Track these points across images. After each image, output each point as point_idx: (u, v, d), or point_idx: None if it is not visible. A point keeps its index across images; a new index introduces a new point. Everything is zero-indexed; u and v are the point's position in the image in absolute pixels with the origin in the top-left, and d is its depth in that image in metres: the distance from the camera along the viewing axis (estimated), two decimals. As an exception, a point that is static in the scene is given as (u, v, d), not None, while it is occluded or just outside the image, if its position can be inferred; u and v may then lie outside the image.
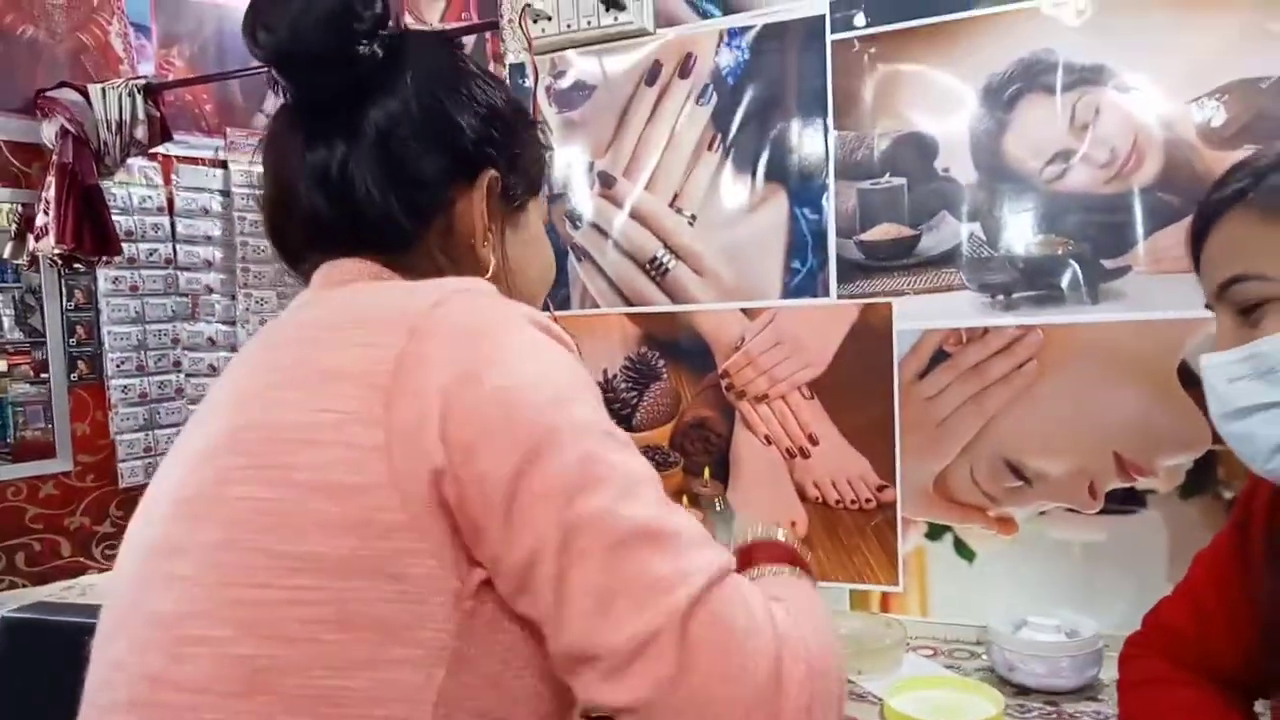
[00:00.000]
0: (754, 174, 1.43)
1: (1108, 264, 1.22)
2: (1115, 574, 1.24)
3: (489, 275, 0.70)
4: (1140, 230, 1.20)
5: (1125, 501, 1.24)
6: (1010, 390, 1.29)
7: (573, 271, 1.56)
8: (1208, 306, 0.78)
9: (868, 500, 1.39)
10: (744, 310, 1.45)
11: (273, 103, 0.69)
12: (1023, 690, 1.15)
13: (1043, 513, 1.29)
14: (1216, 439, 1.18)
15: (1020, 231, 1.27)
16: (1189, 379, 1.19)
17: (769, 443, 1.44)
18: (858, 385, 1.38)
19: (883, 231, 1.35)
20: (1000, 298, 1.29)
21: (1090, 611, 1.20)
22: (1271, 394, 0.69)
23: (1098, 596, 1.24)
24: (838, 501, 1.40)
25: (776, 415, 1.43)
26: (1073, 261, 1.24)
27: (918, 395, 1.34)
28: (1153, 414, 1.21)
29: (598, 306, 1.55)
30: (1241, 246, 0.72)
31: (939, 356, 1.33)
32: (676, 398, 1.50)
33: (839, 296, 1.38)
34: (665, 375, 1.51)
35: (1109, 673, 1.07)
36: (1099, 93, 1.22)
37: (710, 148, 1.46)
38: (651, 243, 1.50)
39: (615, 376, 1.54)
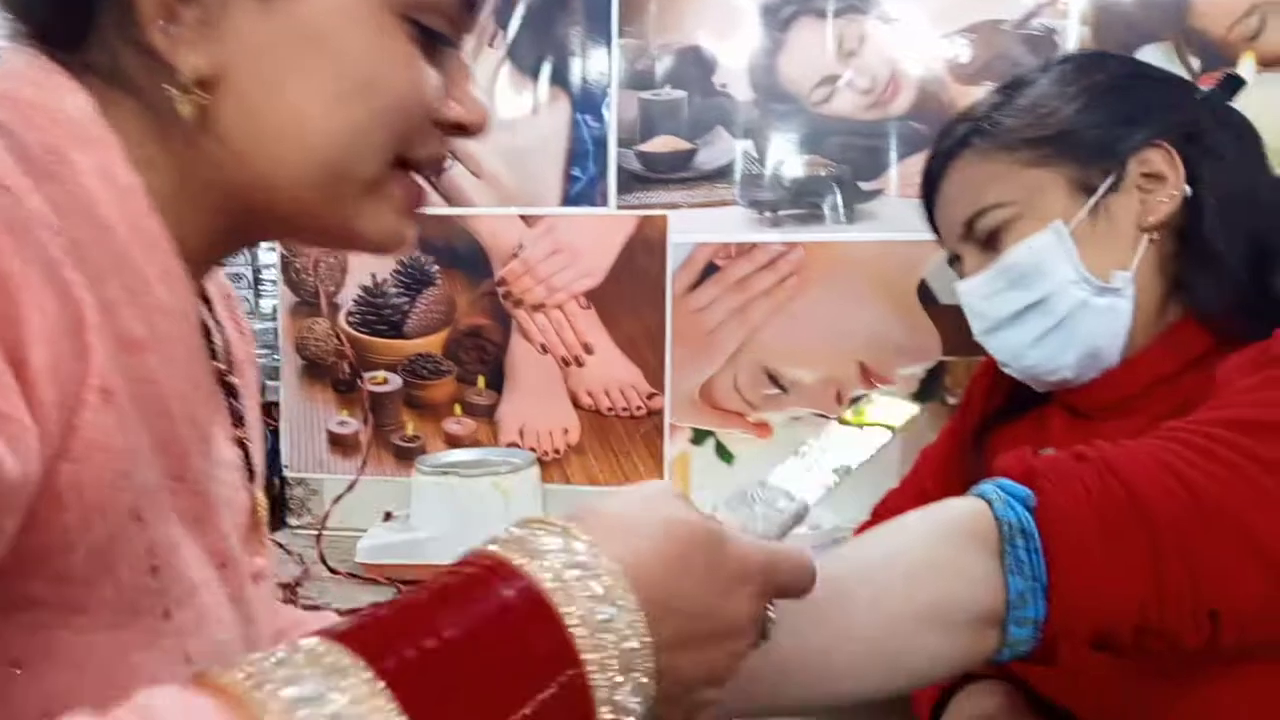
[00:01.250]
0: (536, 77, 1.39)
1: (864, 186, 1.31)
2: (857, 471, 1.36)
3: (186, 101, 0.42)
4: (893, 155, 1.29)
5: (867, 407, 1.35)
6: (772, 303, 1.36)
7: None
8: (953, 260, 0.87)
9: (638, 408, 1.43)
10: (523, 217, 1.42)
11: None
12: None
13: (796, 418, 1.38)
14: (947, 350, 1.32)
15: (789, 151, 1.33)
16: (927, 297, 1.31)
17: (545, 351, 1.44)
18: (632, 296, 1.40)
19: (662, 143, 1.37)
20: (768, 215, 1.35)
21: (832, 508, 1.31)
22: (1027, 296, 0.78)
23: (839, 493, 1.35)
24: (609, 409, 1.44)
25: (553, 324, 1.43)
26: (833, 183, 1.32)
27: (688, 307, 1.39)
28: (894, 328, 1.33)
29: (367, 206, 1.46)
30: (972, 186, 0.80)
31: (709, 270, 1.37)
32: (450, 305, 1.46)
33: (618, 207, 1.39)
34: (439, 281, 1.46)
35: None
36: (864, 22, 1.28)
37: (490, 44, 1.39)
38: (426, 141, 1.42)
39: (385, 281, 1.47)
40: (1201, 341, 0.73)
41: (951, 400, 1.31)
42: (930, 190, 0.86)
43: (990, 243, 0.80)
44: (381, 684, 0.29)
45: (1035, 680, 0.79)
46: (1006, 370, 0.84)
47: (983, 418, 0.93)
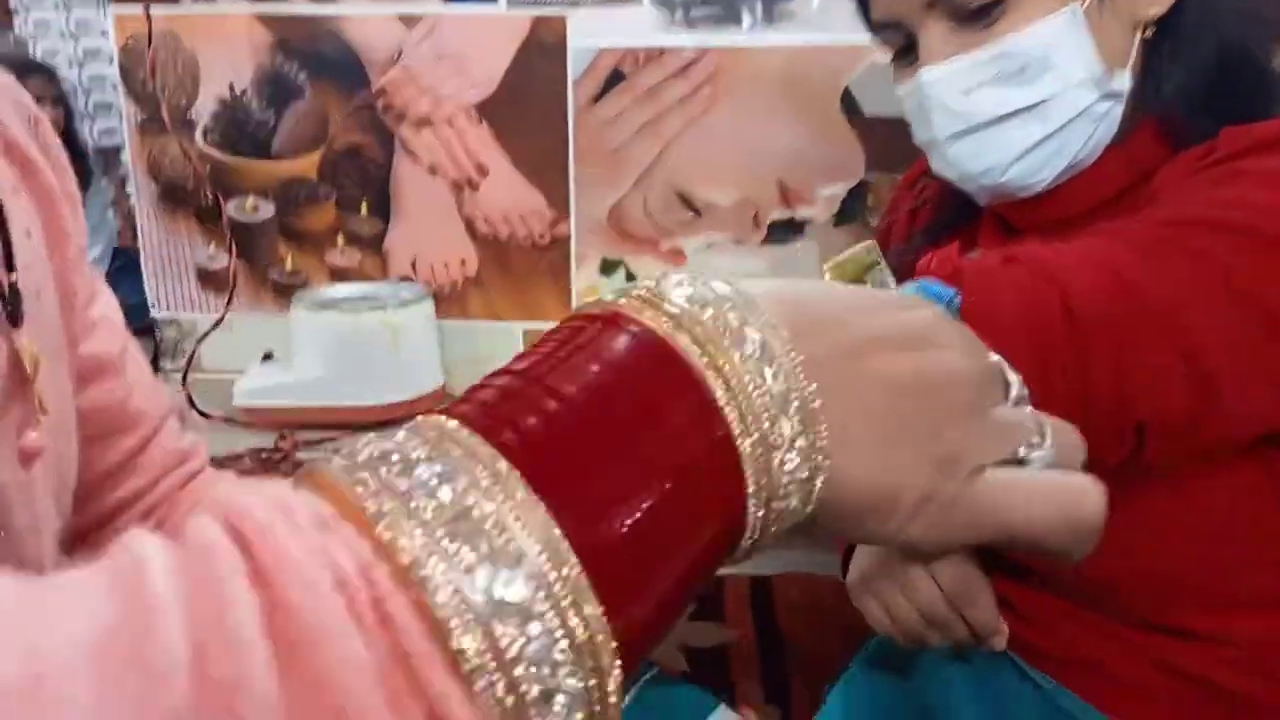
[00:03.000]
0: None
1: (785, -19, 1.17)
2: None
3: None
4: (818, -56, 1.15)
5: (785, 231, 1.27)
6: (685, 116, 1.23)
7: (179, -46, 1.24)
8: (900, 50, 0.70)
9: (541, 235, 1.31)
10: (400, 17, 1.24)
11: None
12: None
13: (710, 245, 1.29)
14: (871, 168, 1.23)
15: (702, -62, 1.17)
16: (850, 108, 1.20)
17: (434, 173, 1.30)
18: (529, 109, 1.26)
19: (557, -73, 1.19)
20: (679, 15, 1.20)
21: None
22: (1024, 96, 0.64)
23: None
24: (509, 237, 1.32)
25: (441, 142, 1.28)
26: (752, -24, 1.17)
27: (593, 121, 1.25)
28: (815, 143, 1.22)
29: (215, 1, 1.25)
30: None
31: (615, 78, 1.23)
32: (323, 120, 1.29)
33: (509, 5, 1.22)
34: (307, 93, 1.28)
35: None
36: None
37: None
38: (280, -79, 1.21)
39: (245, 93, 1.28)
40: (1154, 153, 0.66)
41: (874, 222, 1.23)
42: None
43: (978, 17, 0.63)
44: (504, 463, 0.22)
45: None
46: (962, 186, 0.71)
47: (906, 240, 0.85)
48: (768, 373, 0.24)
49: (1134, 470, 0.56)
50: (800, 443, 0.24)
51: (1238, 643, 0.65)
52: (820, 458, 0.25)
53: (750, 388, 0.24)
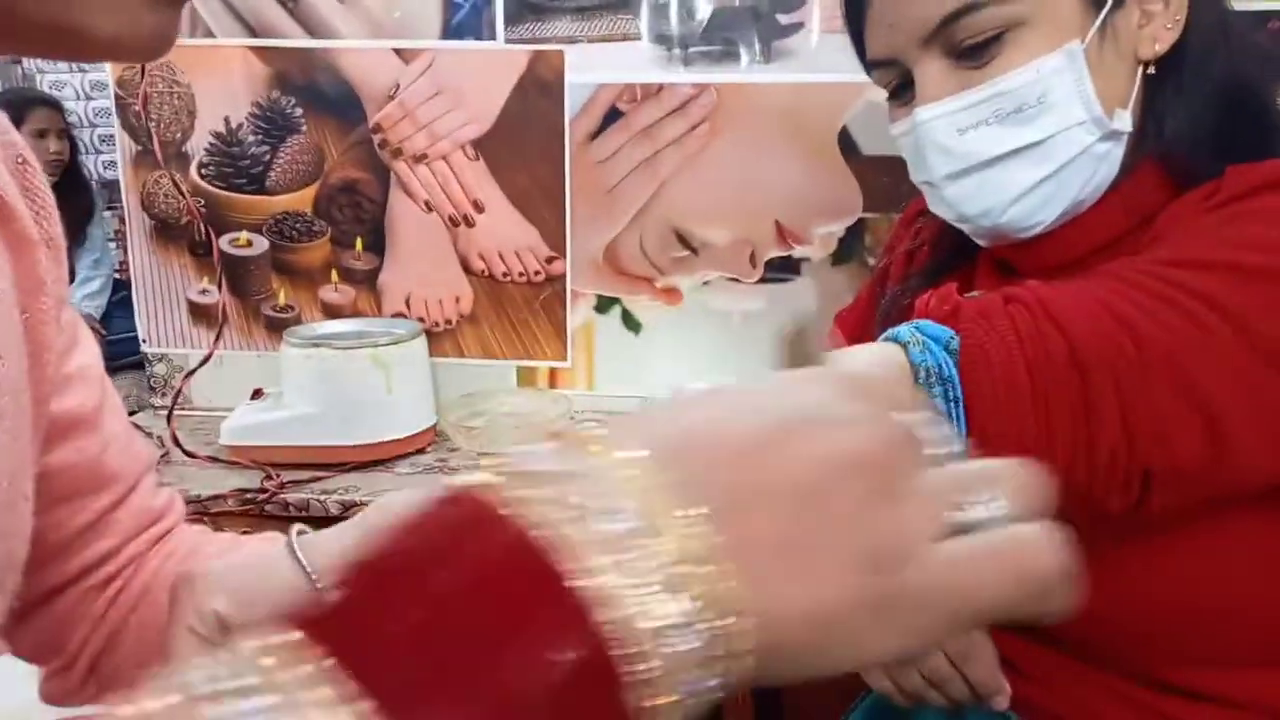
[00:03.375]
0: (409, -116, 1.18)
1: (783, 19, 1.16)
2: (771, 339, 1.28)
3: None
4: (817, -16, 1.15)
5: (782, 269, 1.25)
6: (682, 154, 1.22)
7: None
8: (874, 66, 0.69)
9: (536, 273, 1.30)
10: (397, 51, 1.23)
11: None
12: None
13: (706, 282, 1.28)
14: (868, 207, 1.22)
15: (700, -23, 1.17)
16: (848, 147, 1.19)
17: (430, 209, 1.29)
18: (526, 145, 1.25)
19: (555, -35, 1.19)
20: (677, 52, 1.19)
21: (746, 376, 1.22)
22: (1022, 135, 0.62)
23: (754, 361, 1.27)
24: (505, 274, 1.30)
25: (438, 178, 1.28)
26: (750, 14, 1.17)
27: (589, 158, 1.24)
28: (812, 182, 1.21)
29: (213, 36, 1.25)
30: None
31: (612, 115, 1.22)
32: (319, 155, 1.28)
33: (506, 40, 1.22)
34: (304, 127, 1.27)
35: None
36: None
37: None
38: (278, -42, 1.22)
39: (241, 127, 1.28)
40: (1156, 195, 0.64)
41: (872, 261, 1.22)
42: None
43: (974, 55, 0.62)
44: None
45: None
46: (960, 226, 0.69)
47: (903, 281, 0.83)
48: (651, 555, 0.21)
49: (1141, 521, 0.54)
50: (700, 617, 0.21)
51: (1246, 705, 0.62)
52: (729, 619, 0.21)
53: (627, 574, 0.20)
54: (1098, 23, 0.61)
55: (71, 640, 0.58)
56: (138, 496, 0.59)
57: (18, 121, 1.84)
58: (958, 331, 0.49)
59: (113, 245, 2.85)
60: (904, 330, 0.49)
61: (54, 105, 2.63)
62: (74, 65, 3.27)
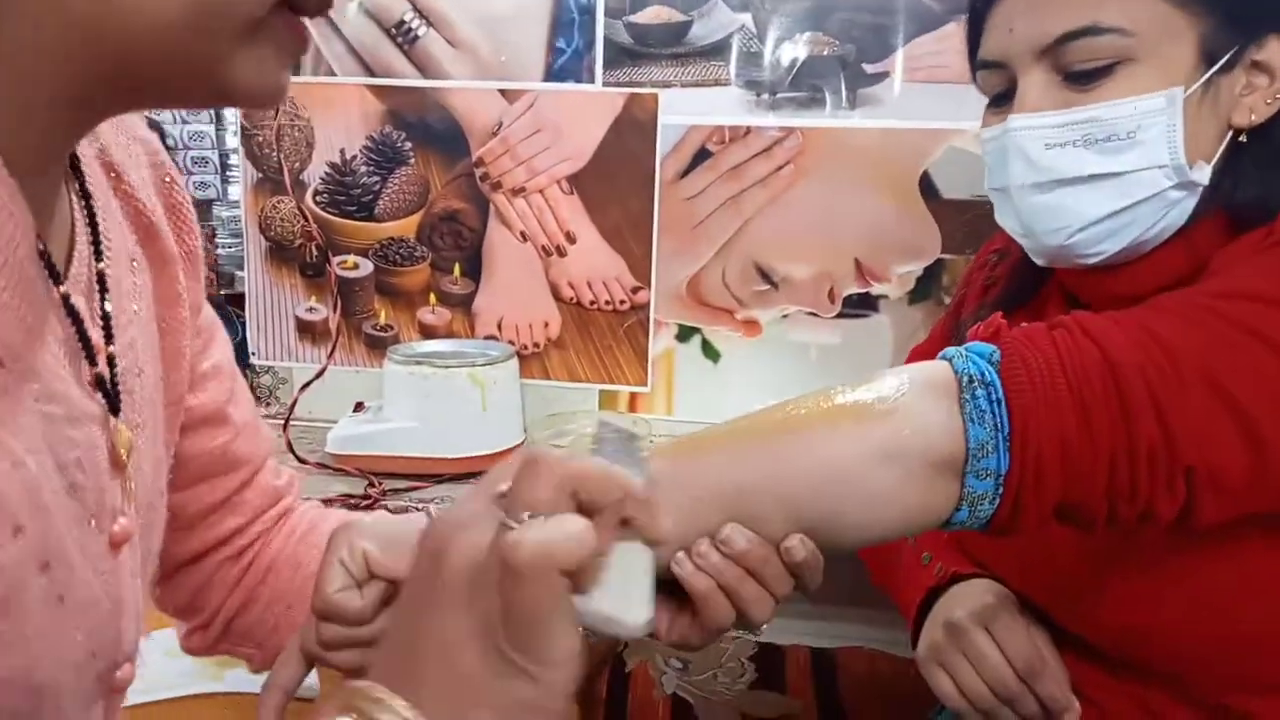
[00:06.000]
0: (518, -63, 1.27)
1: (868, 69, 1.22)
2: (847, 373, 1.31)
3: None
4: (901, 35, 1.20)
5: (860, 306, 1.30)
6: (767, 193, 1.28)
7: (304, 32, 1.35)
8: (983, 67, 0.71)
9: (622, 301, 1.37)
10: (502, 91, 1.32)
11: None
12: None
13: (785, 315, 1.33)
14: (946, 248, 1.26)
15: (790, 28, 1.23)
16: (928, 190, 1.24)
17: (525, 239, 1.37)
18: (618, 182, 1.32)
19: (653, 14, 1.26)
20: (765, 97, 1.26)
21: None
22: (1104, 163, 0.65)
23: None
24: (592, 302, 1.37)
25: (534, 210, 1.36)
26: (837, 64, 1.23)
27: (677, 195, 1.31)
28: (893, 223, 1.26)
29: (334, 75, 1.36)
30: None
31: (701, 155, 1.29)
32: (425, 186, 1.38)
33: (604, 84, 1.29)
34: (412, 160, 1.37)
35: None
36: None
37: (468, -103, 1.27)
38: (399, 3, 1.31)
39: (355, 158, 1.38)
40: (1218, 241, 0.67)
41: (948, 300, 1.26)
42: None
43: (1082, 79, 0.64)
44: None
45: (1007, 577, 0.76)
46: (1023, 242, 0.73)
47: (976, 312, 0.87)
48: None
49: (1199, 539, 0.56)
50: None
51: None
52: None
53: None
54: (1204, 77, 0.64)
55: (210, 602, 0.65)
56: (263, 477, 0.66)
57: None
58: (999, 346, 0.53)
59: (208, 263, 3.01)
60: (951, 350, 0.54)
61: (157, 128, 2.80)
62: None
